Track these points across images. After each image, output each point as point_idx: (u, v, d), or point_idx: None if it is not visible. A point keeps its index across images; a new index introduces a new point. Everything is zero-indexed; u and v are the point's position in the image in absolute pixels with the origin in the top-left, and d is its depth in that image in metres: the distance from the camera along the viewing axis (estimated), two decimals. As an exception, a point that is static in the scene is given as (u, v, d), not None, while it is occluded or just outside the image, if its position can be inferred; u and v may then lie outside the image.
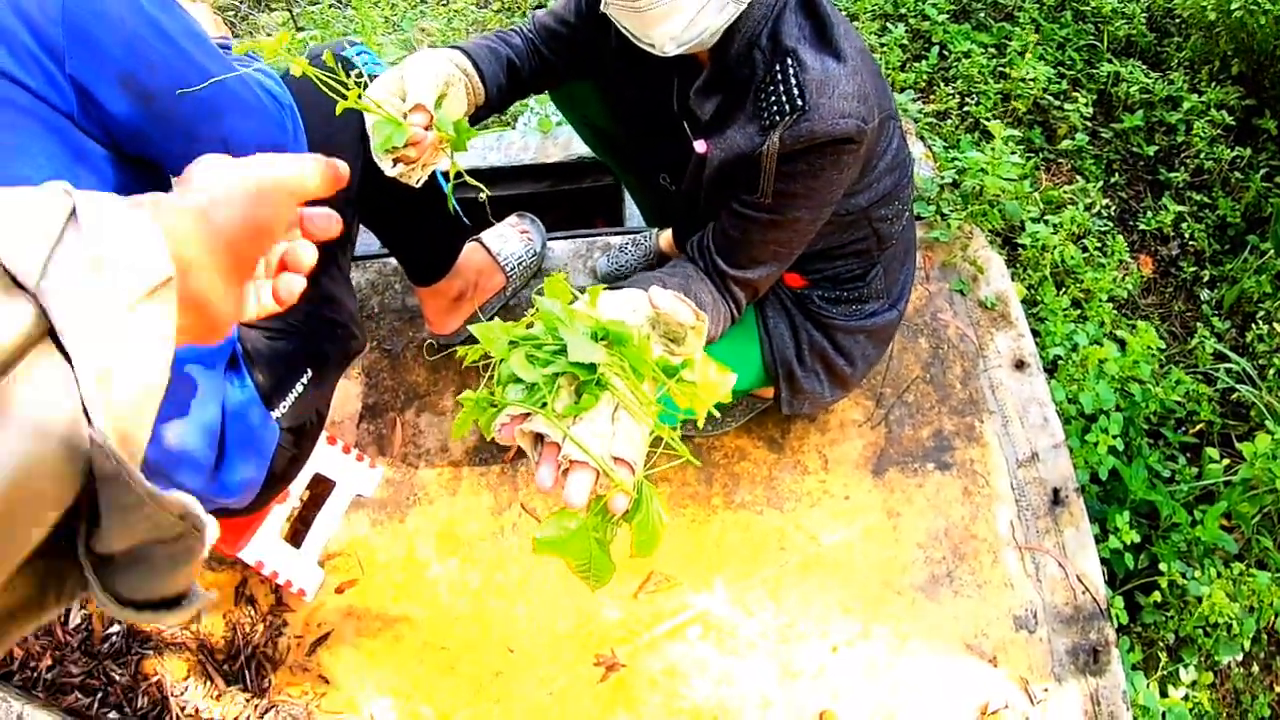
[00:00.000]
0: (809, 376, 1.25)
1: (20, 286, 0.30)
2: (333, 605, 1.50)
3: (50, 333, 0.30)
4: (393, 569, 1.50)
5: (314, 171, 0.51)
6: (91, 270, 0.32)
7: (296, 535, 1.53)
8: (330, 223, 0.55)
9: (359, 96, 0.85)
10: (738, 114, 0.98)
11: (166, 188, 0.98)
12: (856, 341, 1.24)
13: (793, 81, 0.91)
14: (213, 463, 1.03)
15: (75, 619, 1.57)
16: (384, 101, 0.90)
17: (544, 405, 0.61)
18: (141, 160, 0.88)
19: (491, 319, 1.68)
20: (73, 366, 0.30)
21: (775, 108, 0.92)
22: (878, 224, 1.12)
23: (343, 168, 0.54)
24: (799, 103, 0.90)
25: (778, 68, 0.92)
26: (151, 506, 0.31)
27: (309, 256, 0.55)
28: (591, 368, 0.62)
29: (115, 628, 1.59)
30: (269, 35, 2.58)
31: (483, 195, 0.99)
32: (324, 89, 0.83)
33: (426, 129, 0.90)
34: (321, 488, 1.51)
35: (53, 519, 0.30)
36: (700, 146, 1.02)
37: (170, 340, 0.35)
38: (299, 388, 1.18)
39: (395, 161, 0.91)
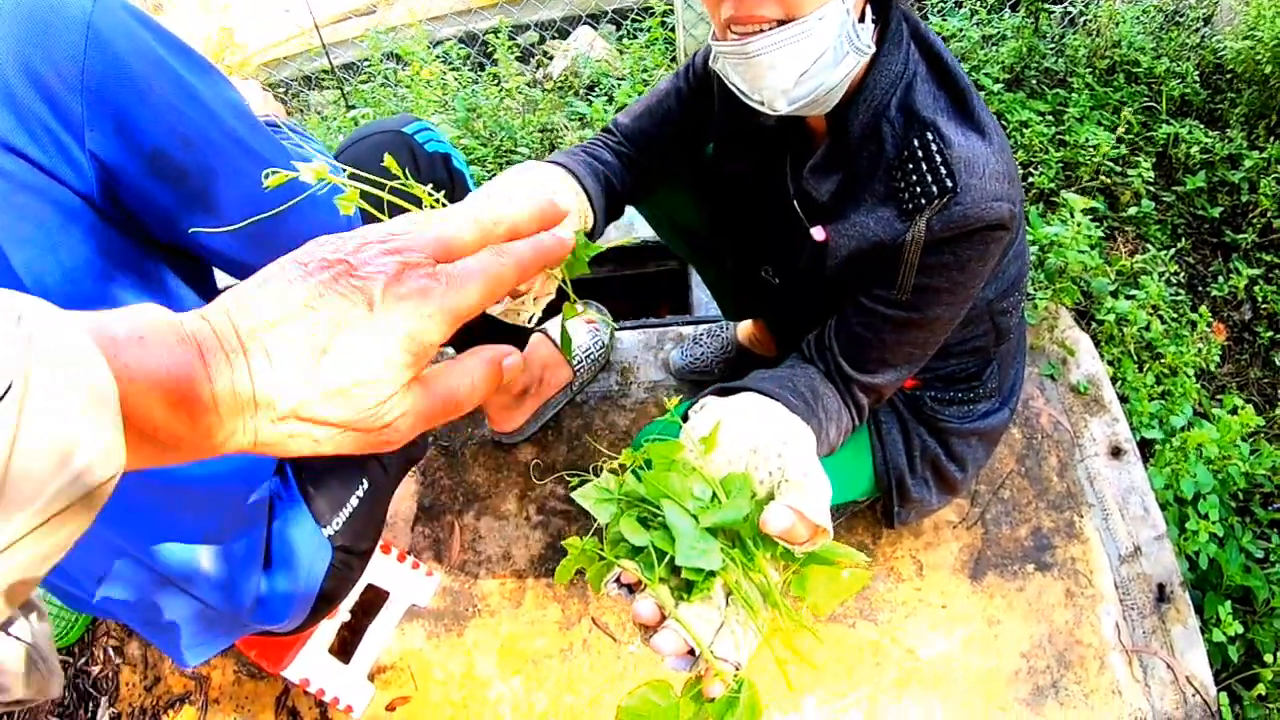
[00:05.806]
0: (918, 484, 1.14)
1: None
2: (384, 724, 1.38)
3: None
4: (450, 686, 1.38)
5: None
6: None
7: (345, 646, 1.41)
8: None
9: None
10: (864, 195, 0.87)
11: (208, 278, 0.88)
12: (969, 445, 1.14)
13: (938, 160, 0.80)
14: (257, 585, 0.93)
15: (103, 718, 1.46)
16: None
17: (653, 566, 0.56)
18: (175, 249, 0.76)
19: (556, 415, 1.60)
20: None
21: (919, 189, 0.81)
22: (998, 317, 1.02)
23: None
24: (948, 183, 0.79)
25: (916, 143, 0.81)
26: None
27: None
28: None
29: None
30: (320, 115, 2.54)
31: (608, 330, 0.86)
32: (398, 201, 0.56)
33: None
34: (373, 596, 1.40)
35: None
36: (819, 233, 0.91)
37: None
38: (354, 501, 1.06)
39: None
